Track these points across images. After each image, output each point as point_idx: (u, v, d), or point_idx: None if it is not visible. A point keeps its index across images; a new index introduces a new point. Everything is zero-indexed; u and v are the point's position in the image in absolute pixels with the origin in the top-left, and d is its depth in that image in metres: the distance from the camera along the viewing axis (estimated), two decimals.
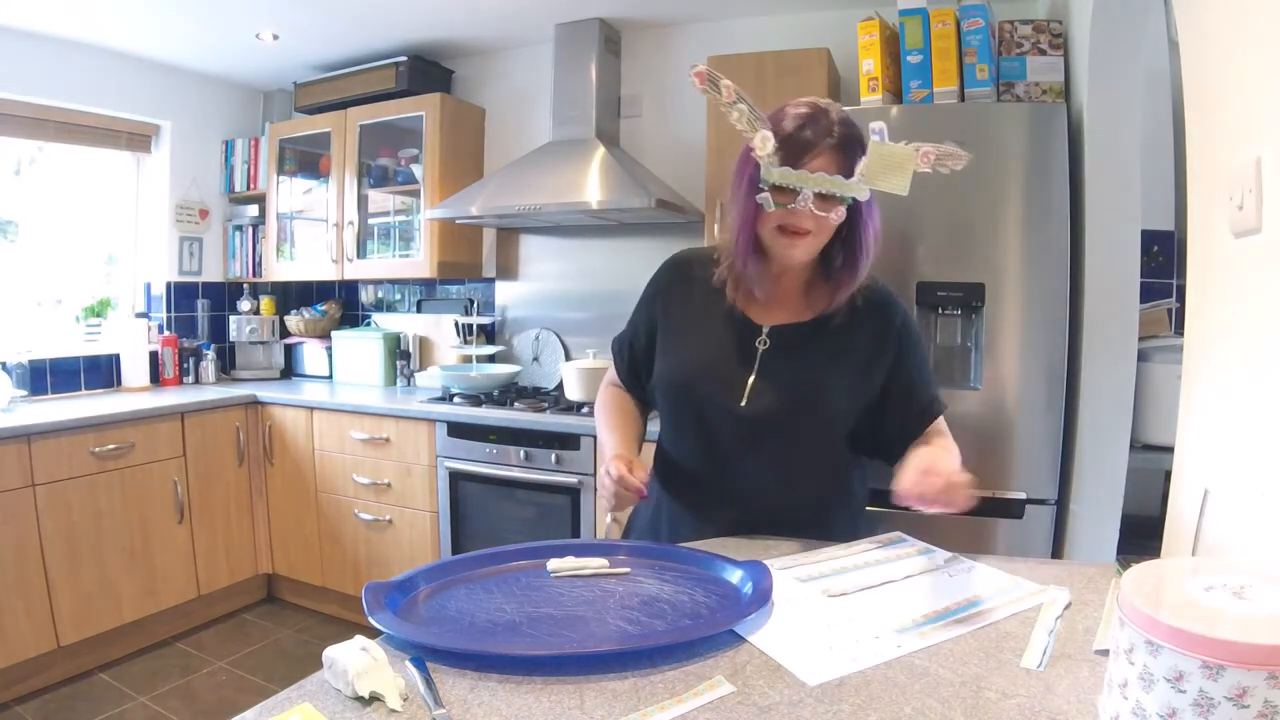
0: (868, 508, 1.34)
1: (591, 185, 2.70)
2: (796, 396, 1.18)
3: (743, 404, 1.18)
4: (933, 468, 1.02)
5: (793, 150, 1.08)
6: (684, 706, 0.71)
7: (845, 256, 1.17)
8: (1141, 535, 1.89)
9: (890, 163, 1.07)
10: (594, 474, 2.53)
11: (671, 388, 1.26)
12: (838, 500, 1.29)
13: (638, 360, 1.34)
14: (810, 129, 1.08)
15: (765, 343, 1.20)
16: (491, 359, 3.29)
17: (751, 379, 1.19)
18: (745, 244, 1.16)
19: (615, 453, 1.21)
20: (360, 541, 3.02)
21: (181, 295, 3.57)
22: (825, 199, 1.09)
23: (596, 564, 1.04)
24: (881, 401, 1.23)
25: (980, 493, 1.01)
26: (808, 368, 1.19)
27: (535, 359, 3.32)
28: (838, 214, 1.11)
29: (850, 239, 1.16)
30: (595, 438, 2.48)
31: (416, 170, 3.21)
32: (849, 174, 1.08)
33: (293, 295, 3.85)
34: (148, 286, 3.55)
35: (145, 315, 3.50)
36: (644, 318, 1.32)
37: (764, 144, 1.07)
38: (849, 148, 1.09)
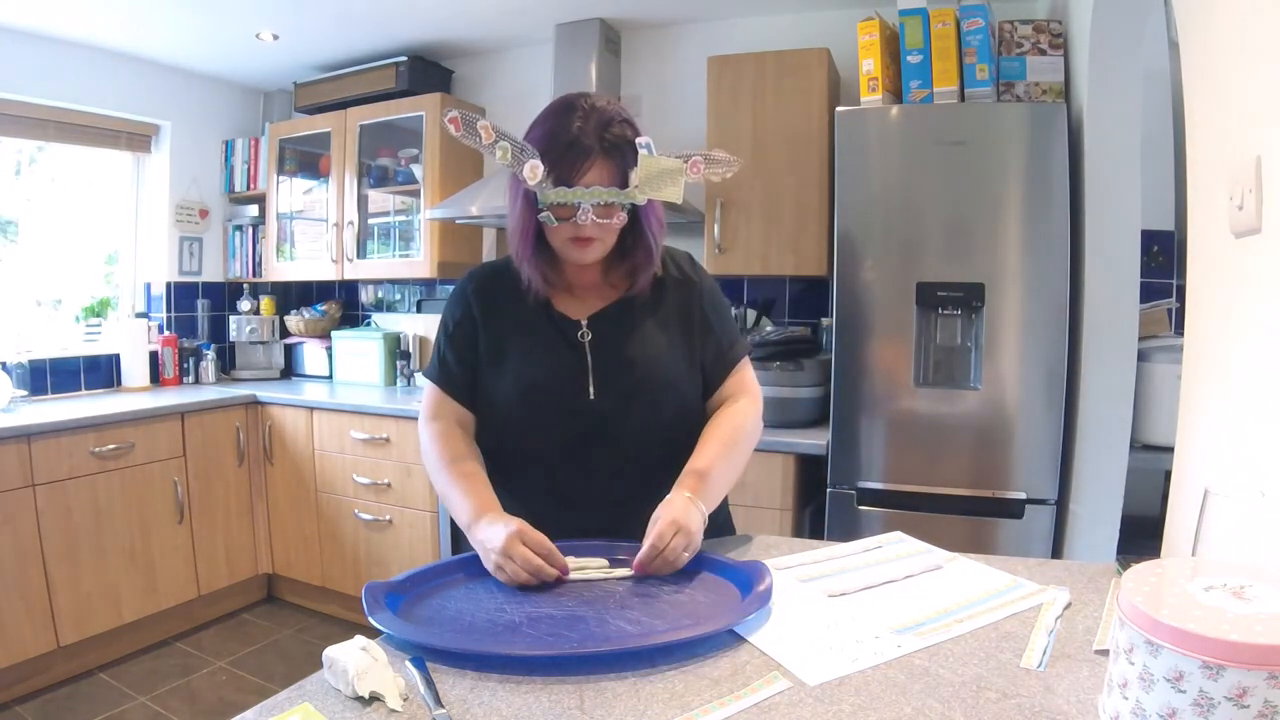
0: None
1: None
2: (641, 373, 1.18)
3: (592, 398, 1.17)
4: (680, 521, 1.02)
5: (564, 168, 1.08)
6: (741, 704, 0.71)
7: (638, 246, 1.18)
8: (1141, 535, 1.89)
9: (661, 173, 1.10)
10: None
11: (513, 402, 1.19)
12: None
13: (464, 385, 1.26)
14: (578, 142, 1.08)
15: (587, 334, 1.20)
16: None
17: (591, 372, 1.18)
18: (528, 250, 1.16)
19: (509, 529, 1.01)
20: (360, 541, 3.01)
21: (181, 295, 3.57)
22: (605, 206, 1.10)
23: (597, 564, 1.04)
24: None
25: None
26: (638, 343, 1.20)
27: None
28: (619, 218, 1.13)
29: (637, 230, 1.18)
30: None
31: (416, 170, 3.21)
32: (623, 178, 1.10)
33: (293, 295, 3.85)
34: (148, 286, 3.55)
35: (145, 315, 3.50)
36: (458, 344, 1.25)
37: (534, 174, 1.08)
38: (618, 151, 1.10)
